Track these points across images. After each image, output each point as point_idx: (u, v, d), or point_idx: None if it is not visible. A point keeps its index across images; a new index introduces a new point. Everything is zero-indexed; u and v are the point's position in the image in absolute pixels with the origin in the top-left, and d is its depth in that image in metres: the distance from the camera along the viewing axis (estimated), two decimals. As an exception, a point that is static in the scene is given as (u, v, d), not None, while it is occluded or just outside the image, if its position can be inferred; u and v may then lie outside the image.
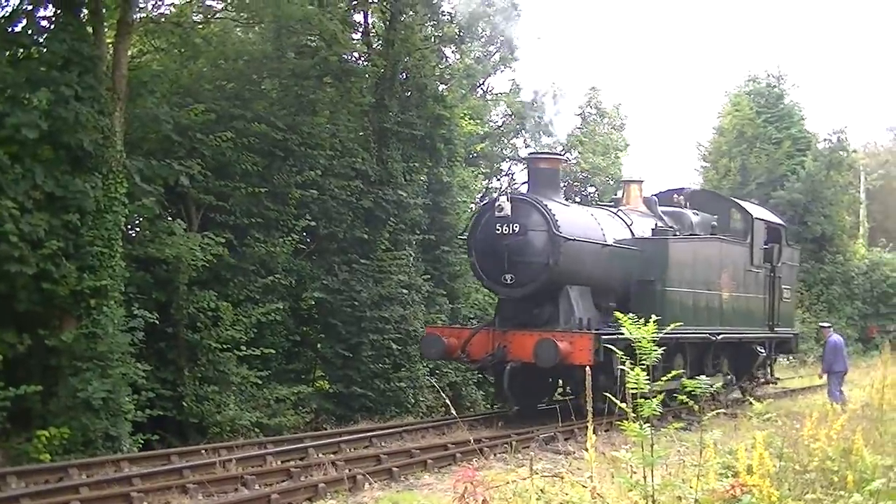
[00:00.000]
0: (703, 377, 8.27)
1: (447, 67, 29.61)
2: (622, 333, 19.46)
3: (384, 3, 24.89)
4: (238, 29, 23.69)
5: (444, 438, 17.24)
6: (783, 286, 26.26)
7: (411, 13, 24.95)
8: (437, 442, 16.85)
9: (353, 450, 16.18)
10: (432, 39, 27.68)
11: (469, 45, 33.68)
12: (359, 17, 25.63)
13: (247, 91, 21.93)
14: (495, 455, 15.44)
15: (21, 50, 15.96)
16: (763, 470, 7.87)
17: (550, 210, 18.95)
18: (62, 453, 14.69)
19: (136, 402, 16.15)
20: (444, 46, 29.21)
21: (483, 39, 35.89)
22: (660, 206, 23.80)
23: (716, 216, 24.65)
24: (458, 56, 32.49)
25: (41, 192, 14.92)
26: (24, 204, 14.55)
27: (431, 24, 27.66)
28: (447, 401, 10.63)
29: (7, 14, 16.04)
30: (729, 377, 23.76)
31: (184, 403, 17.80)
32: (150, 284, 18.02)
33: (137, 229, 18.51)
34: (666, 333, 19.51)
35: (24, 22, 15.96)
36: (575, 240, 19.13)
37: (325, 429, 19.67)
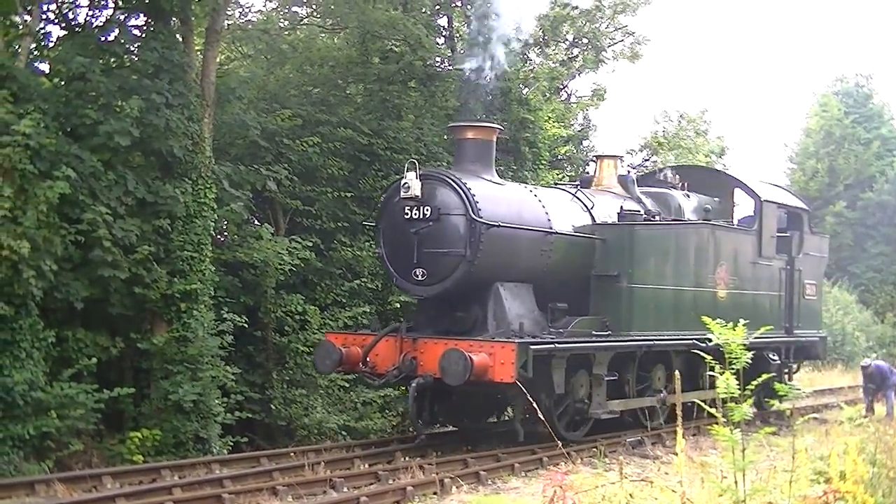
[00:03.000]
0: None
1: (531, 70, 29.55)
2: (566, 341, 16.13)
3: (468, 7, 24.93)
4: (323, 35, 23.95)
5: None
6: (805, 281, 22.36)
7: (495, 16, 24.94)
8: (525, 446, 16.79)
9: (440, 453, 16.19)
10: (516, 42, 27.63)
11: (554, 47, 33.60)
12: (443, 22, 25.73)
13: (332, 96, 22.12)
14: (582, 459, 15.36)
15: (113, 59, 16.32)
16: (856, 476, 7.75)
17: (469, 189, 15.54)
18: (154, 455, 14.98)
19: (226, 404, 16.39)
20: (528, 49, 29.13)
21: (567, 43, 35.76)
22: (640, 185, 20.15)
23: (716, 198, 21.15)
24: (541, 59, 32.41)
25: (133, 197, 15.25)
26: (117, 210, 14.86)
27: (515, 27, 27.63)
28: (534, 404, 10.56)
29: (101, 24, 16.37)
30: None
31: (272, 406, 17.98)
32: (239, 288, 18.24)
33: (226, 234, 18.75)
34: (630, 339, 18.09)
35: (117, 31, 16.31)
36: (503, 226, 15.66)
37: (412, 432, 19.70)
